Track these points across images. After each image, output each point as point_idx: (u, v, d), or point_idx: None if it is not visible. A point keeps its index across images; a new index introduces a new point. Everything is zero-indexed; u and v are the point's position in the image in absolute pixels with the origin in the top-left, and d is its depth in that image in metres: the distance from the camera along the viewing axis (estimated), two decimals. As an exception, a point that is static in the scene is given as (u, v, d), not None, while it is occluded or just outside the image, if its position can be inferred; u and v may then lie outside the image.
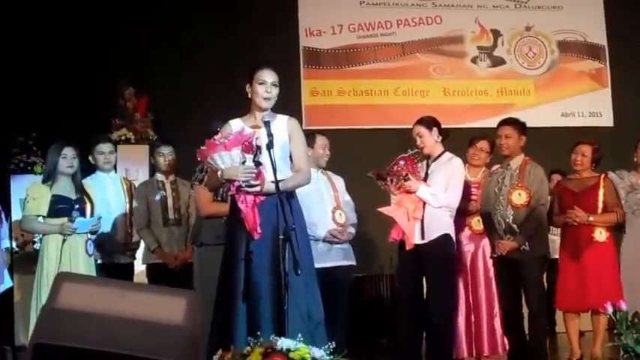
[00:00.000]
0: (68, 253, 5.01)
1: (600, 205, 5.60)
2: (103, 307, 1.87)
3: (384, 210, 5.24)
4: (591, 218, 5.54)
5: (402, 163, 5.20)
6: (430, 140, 5.32)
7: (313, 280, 4.17)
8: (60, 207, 5.07)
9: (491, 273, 5.63)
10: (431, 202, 5.17)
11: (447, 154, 5.35)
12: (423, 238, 5.16)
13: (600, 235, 5.56)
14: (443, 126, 5.45)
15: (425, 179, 5.26)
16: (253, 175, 3.91)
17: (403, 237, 5.18)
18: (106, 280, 2.83)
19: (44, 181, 5.16)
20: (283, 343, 3.34)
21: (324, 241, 5.21)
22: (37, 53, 7.74)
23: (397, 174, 5.17)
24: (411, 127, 5.42)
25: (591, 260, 5.51)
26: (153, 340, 1.86)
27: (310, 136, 5.49)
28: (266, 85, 4.17)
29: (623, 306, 3.77)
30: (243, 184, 3.91)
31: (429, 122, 5.37)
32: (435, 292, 5.20)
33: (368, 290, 7.69)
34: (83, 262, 5.08)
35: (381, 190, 5.32)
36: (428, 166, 5.33)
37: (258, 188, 3.93)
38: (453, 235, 5.26)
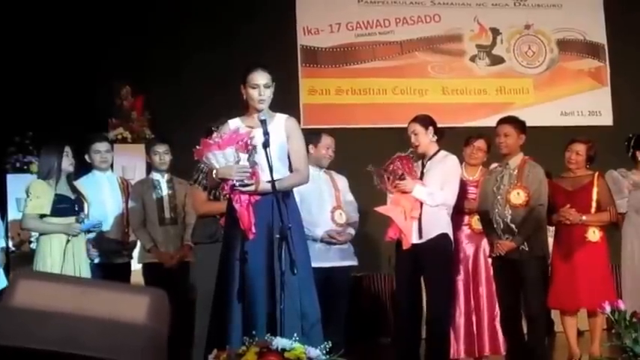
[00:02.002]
0: (71, 254, 4.98)
1: (594, 203, 5.58)
2: (63, 306, 1.81)
3: (380, 209, 5.22)
4: (584, 217, 5.51)
5: (398, 162, 5.18)
6: (425, 139, 5.30)
7: (310, 279, 4.15)
8: (63, 206, 5.03)
9: (492, 272, 5.60)
10: (427, 201, 5.15)
11: (442, 152, 5.34)
12: (420, 237, 5.14)
13: (593, 234, 5.53)
14: (441, 125, 5.44)
15: (421, 178, 5.24)
16: (247, 174, 3.90)
17: (400, 236, 5.15)
18: (66, 278, 2.78)
19: (45, 179, 5.07)
20: (278, 342, 3.34)
21: (321, 241, 5.18)
22: (33, 52, 7.72)
23: (394, 172, 5.15)
24: (409, 126, 5.40)
25: (583, 260, 5.49)
26: (114, 340, 1.81)
27: (316, 135, 5.48)
28: (259, 88, 4.15)
29: (622, 305, 3.74)
30: (237, 184, 3.89)
31: (425, 120, 5.35)
32: (433, 291, 5.20)
33: (367, 289, 7.68)
34: (85, 263, 5.08)
35: (379, 189, 5.30)
36: (423, 165, 5.31)
37: (252, 188, 3.92)
38: (451, 234, 5.25)
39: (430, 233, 5.14)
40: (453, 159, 5.33)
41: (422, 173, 5.27)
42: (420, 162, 5.34)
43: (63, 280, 2.25)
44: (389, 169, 5.19)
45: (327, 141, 5.43)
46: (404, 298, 5.33)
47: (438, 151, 5.34)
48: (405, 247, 5.14)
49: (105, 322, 1.80)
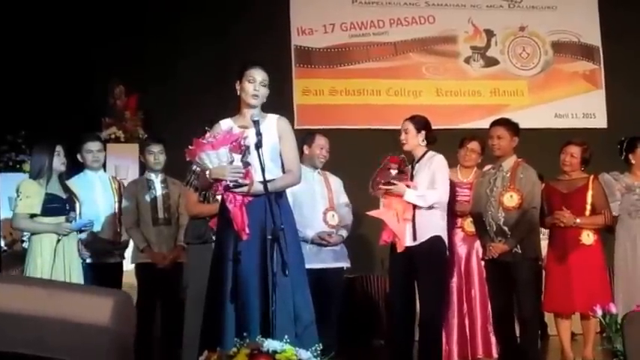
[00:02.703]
0: (62, 253, 4.94)
1: (588, 207, 5.58)
2: (28, 308, 1.80)
3: (373, 213, 5.20)
4: (578, 220, 5.51)
5: (391, 163, 5.17)
6: (414, 140, 5.27)
7: (303, 281, 4.12)
8: (54, 206, 5.00)
9: (485, 275, 5.59)
10: (420, 203, 5.12)
11: (430, 153, 5.30)
12: (414, 239, 5.12)
13: (588, 237, 5.53)
14: (436, 127, 5.41)
15: (401, 171, 5.21)
16: (241, 175, 3.87)
17: (394, 239, 5.13)
18: (32, 280, 2.76)
19: (34, 179, 5.03)
20: (269, 344, 3.31)
21: (312, 242, 5.16)
22: (27, 51, 7.70)
23: (388, 173, 5.15)
24: (403, 128, 5.41)
25: (577, 263, 5.49)
26: (78, 342, 1.80)
27: (309, 135, 5.47)
28: (255, 83, 4.13)
29: (613, 309, 3.73)
30: (231, 184, 3.87)
31: (420, 123, 5.31)
32: (426, 293, 5.17)
33: (360, 291, 7.67)
34: (77, 263, 5.05)
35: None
36: (412, 168, 5.29)
37: (245, 189, 3.89)
38: (445, 236, 5.22)
39: (424, 236, 5.11)
40: (440, 157, 5.28)
41: (412, 175, 5.25)
42: (409, 166, 5.31)
43: (28, 282, 2.24)
44: (385, 173, 5.18)
45: (320, 141, 5.41)
46: (398, 300, 5.30)
47: (426, 152, 5.30)
48: (399, 250, 5.12)
49: (69, 324, 1.79)
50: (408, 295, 5.25)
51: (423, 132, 5.27)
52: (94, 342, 1.82)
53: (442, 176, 5.22)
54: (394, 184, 5.12)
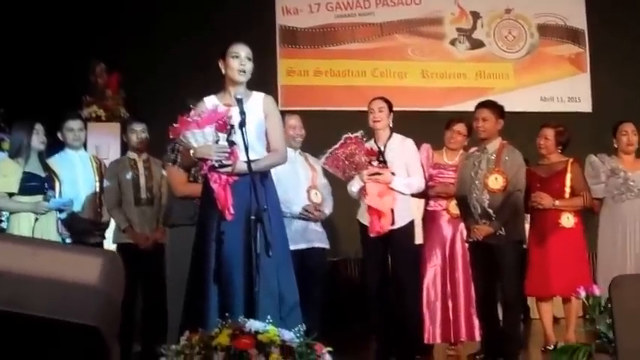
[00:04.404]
0: (40, 233, 4.91)
1: (567, 189, 5.60)
2: (12, 265, 1.74)
3: (372, 204, 5.22)
4: (557, 202, 5.54)
5: (352, 145, 5.21)
6: (387, 120, 5.46)
7: (287, 262, 4.11)
8: (32, 185, 4.96)
9: (469, 257, 5.59)
10: (405, 191, 5.35)
11: (397, 136, 5.48)
12: (392, 224, 5.23)
13: (567, 220, 5.55)
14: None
15: (380, 160, 5.29)
16: (226, 154, 3.84)
17: (380, 229, 5.19)
18: (18, 237, 2.70)
19: (13, 157, 5.01)
20: (252, 324, 3.29)
21: (299, 217, 5.14)
22: (5, 27, 7.57)
23: (351, 156, 5.20)
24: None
25: (556, 246, 5.51)
26: (64, 301, 1.75)
27: None
28: (240, 58, 4.09)
29: (597, 291, 3.72)
30: (216, 164, 3.82)
31: (390, 103, 5.52)
32: (405, 276, 5.34)
33: (338, 275, 7.66)
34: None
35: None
36: (379, 147, 5.37)
37: (229, 169, 3.85)
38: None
39: (402, 221, 5.29)
40: (411, 142, 5.51)
41: (381, 154, 5.32)
42: (372, 142, 5.42)
43: (14, 239, 2.18)
44: (347, 152, 5.21)
45: (290, 121, 5.36)
46: (375, 283, 5.39)
47: (391, 134, 5.46)
48: (376, 234, 5.21)
49: (55, 283, 1.74)
50: (384, 278, 5.40)
51: (391, 114, 5.47)
52: (82, 301, 1.77)
53: (418, 162, 5.50)
54: (380, 173, 5.23)
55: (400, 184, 5.30)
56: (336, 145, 5.29)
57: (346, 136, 5.28)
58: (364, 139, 5.32)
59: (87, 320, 1.74)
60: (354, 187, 5.35)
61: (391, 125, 5.47)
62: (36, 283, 1.74)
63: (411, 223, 5.42)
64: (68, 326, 1.70)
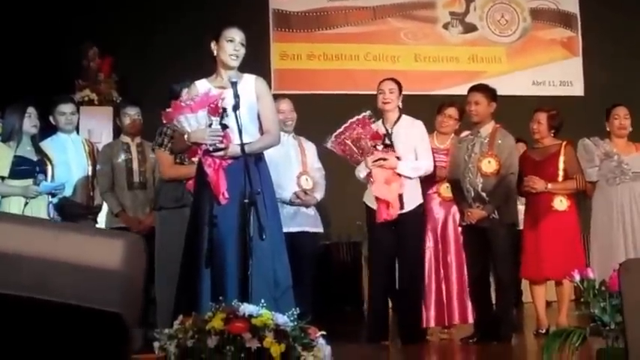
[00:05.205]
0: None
1: (561, 172, 5.60)
2: (33, 250, 1.72)
3: (379, 195, 5.20)
4: (549, 186, 5.54)
5: (359, 128, 5.19)
6: (397, 101, 5.42)
7: (281, 245, 4.10)
8: (22, 168, 4.93)
9: (462, 240, 5.61)
10: (412, 175, 5.32)
11: (407, 117, 5.44)
12: (402, 208, 5.23)
13: (561, 203, 5.55)
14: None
15: (386, 142, 5.26)
16: (220, 138, 3.83)
17: (387, 217, 5.19)
18: (38, 220, 2.67)
19: (4, 141, 4.98)
20: (246, 308, 3.29)
21: (290, 203, 5.14)
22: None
23: (357, 140, 5.16)
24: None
25: (549, 229, 5.52)
26: (87, 286, 1.72)
27: None
28: (234, 42, 4.08)
29: (591, 274, 3.73)
30: (210, 148, 3.82)
31: (400, 85, 5.46)
32: (409, 260, 5.35)
33: (331, 258, 7.67)
34: (46, 226, 4.96)
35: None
36: (387, 129, 5.33)
37: (222, 153, 3.85)
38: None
39: (411, 204, 5.28)
40: (420, 124, 5.47)
41: (388, 135, 5.29)
42: (380, 124, 5.37)
43: (34, 222, 2.15)
44: (351, 136, 5.18)
45: (280, 106, 5.31)
46: (382, 268, 5.40)
47: (400, 115, 5.41)
48: (384, 220, 5.18)
49: (77, 267, 1.72)
50: (392, 265, 5.41)
51: (401, 95, 5.40)
52: (105, 285, 1.75)
53: (427, 145, 5.45)
54: (385, 159, 5.21)
55: (407, 168, 5.27)
56: (341, 129, 5.27)
57: (352, 120, 5.27)
58: (372, 119, 5.31)
59: (110, 307, 1.72)
60: (361, 173, 5.35)
61: (401, 107, 5.45)
62: (57, 268, 1.71)
63: (420, 207, 5.38)
64: (91, 312, 1.69)
